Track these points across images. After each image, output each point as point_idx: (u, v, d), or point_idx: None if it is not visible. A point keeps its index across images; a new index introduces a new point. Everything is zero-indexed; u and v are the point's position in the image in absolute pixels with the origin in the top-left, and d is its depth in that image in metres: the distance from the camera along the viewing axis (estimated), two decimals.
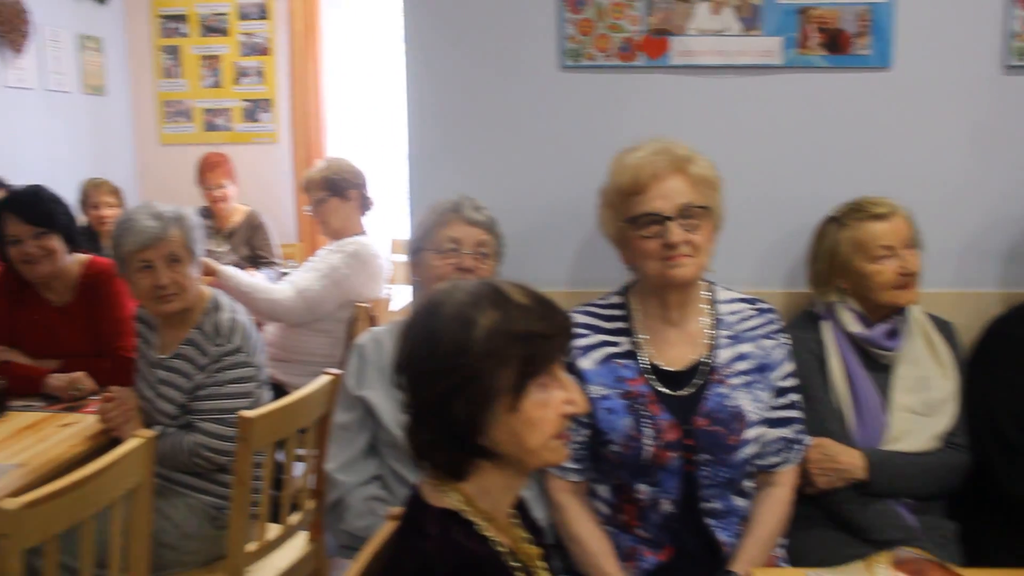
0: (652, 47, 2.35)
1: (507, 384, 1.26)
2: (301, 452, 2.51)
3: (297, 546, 2.56)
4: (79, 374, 2.81)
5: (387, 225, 4.65)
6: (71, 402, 2.76)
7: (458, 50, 2.40)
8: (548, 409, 1.28)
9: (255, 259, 4.74)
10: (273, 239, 4.88)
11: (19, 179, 4.04)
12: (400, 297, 4.04)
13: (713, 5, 2.32)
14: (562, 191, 2.39)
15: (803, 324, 2.21)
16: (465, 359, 1.24)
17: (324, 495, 2.53)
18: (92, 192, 4.72)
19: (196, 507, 2.44)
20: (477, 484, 1.31)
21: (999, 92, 2.31)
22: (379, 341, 2.22)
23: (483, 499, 1.31)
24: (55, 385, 2.79)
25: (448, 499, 1.30)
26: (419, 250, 2.20)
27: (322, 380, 2.38)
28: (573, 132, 2.38)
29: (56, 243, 2.89)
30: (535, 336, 1.27)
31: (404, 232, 4.74)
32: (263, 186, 5.55)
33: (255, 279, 3.46)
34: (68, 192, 3.04)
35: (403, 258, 4.70)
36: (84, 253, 3.06)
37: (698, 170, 1.91)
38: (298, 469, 2.72)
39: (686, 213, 1.87)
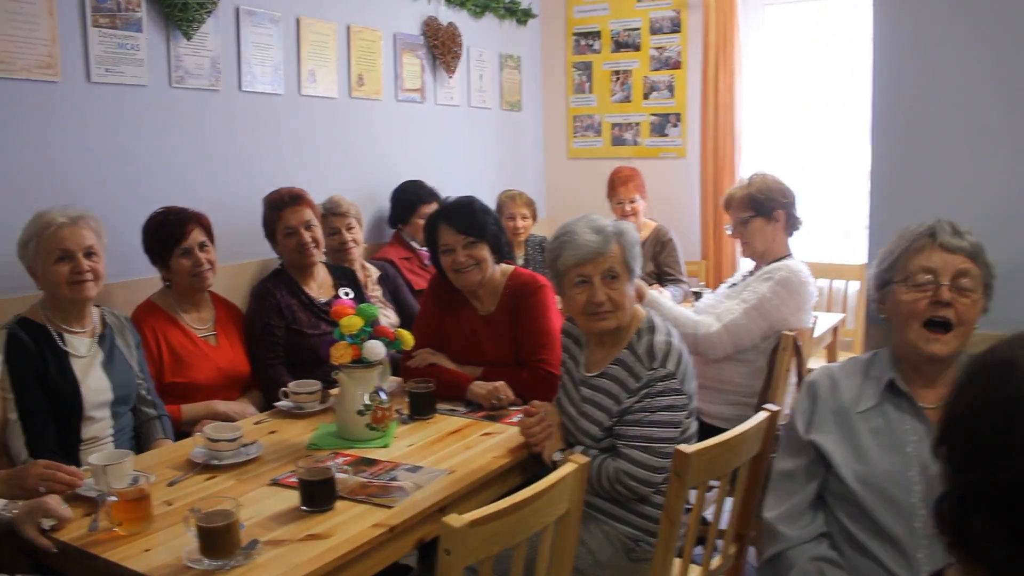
0: None
1: None
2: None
3: None
4: (500, 384, 2.83)
5: (812, 246, 4.34)
6: (491, 411, 2.79)
7: (939, 49, 2.09)
8: None
9: (660, 276, 4.63)
10: (680, 256, 4.76)
11: (444, 190, 4.27)
12: (824, 325, 3.74)
13: None
14: None
15: None
16: None
17: (745, 539, 2.33)
18: (507, 203, 4.88)
19: (613, 536, 2.33)
20: None
21: None
22: (834, 380, 1.98)
23: None
24: (478, 393, 2.84)
25: None
26: (887, 283, 1.92)
27: (759, 417, 2.16)
28: None
29: (485, 253, 2.94)
30: None
31: (852, 256, 4.52)
32: (668, 201, 5.46)
33: (681, 309, 3.31)
34: (485, 203, 3.09)
35: (822, 283, 4.41)
36: (509, 264, 3.10)
37: None
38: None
39: None
